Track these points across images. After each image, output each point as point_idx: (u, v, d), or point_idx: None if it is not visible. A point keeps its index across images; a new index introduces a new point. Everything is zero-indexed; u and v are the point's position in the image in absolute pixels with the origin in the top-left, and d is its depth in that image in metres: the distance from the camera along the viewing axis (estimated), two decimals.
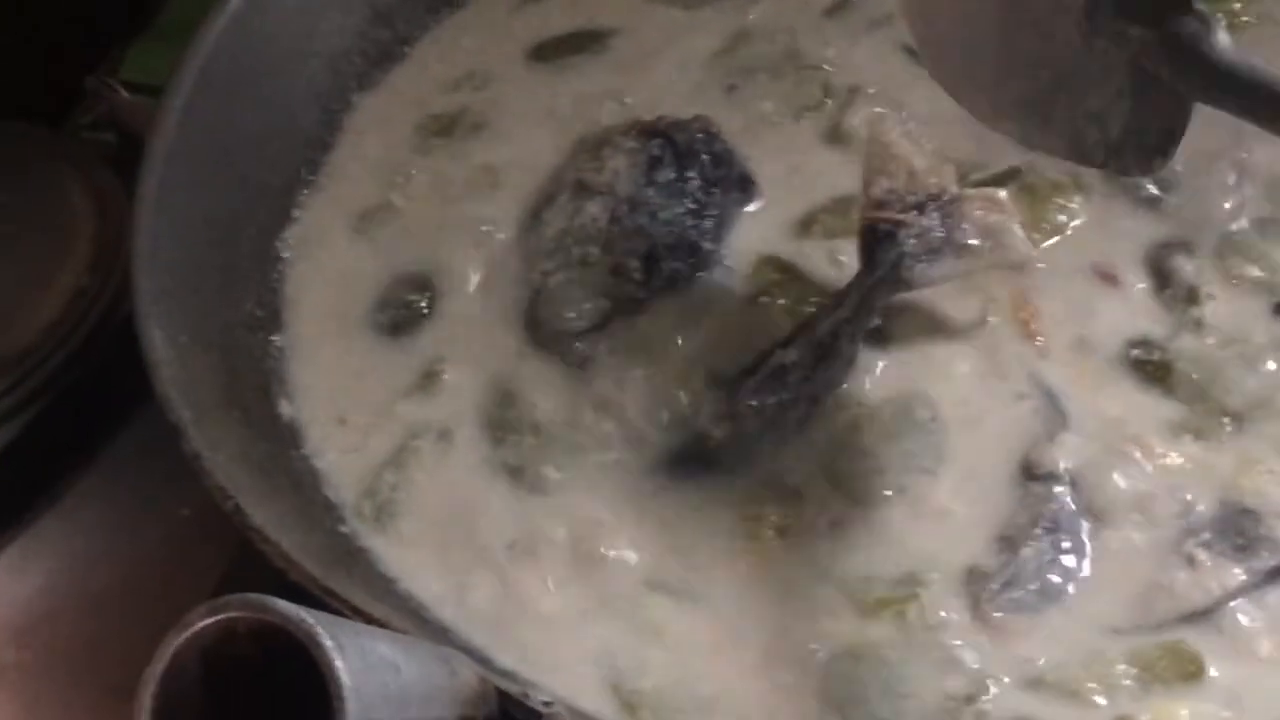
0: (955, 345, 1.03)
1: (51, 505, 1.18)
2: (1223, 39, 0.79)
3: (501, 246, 1.12)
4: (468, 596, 0.97)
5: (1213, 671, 0.91)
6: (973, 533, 0.96)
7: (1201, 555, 0.94)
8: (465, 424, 1.04)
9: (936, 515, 0.97)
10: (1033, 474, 0.98)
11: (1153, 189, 1.09)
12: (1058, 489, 0.97)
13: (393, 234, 1.15)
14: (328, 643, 0.70)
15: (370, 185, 1.17)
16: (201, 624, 0.72)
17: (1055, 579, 0.94)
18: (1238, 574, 0.94)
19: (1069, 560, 0.95)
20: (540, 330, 1.06)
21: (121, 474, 1.18)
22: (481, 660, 0.92)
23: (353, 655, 0.71)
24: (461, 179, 1.17)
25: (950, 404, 1.01)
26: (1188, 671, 0.91)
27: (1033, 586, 0.94)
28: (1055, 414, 1.00)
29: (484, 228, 1.13)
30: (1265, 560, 0.94)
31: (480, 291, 1.10)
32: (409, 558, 0.99)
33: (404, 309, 1.10)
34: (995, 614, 0.93)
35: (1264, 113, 0.78)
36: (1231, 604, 0.93)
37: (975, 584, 0.94)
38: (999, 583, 0.94)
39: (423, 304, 1.10)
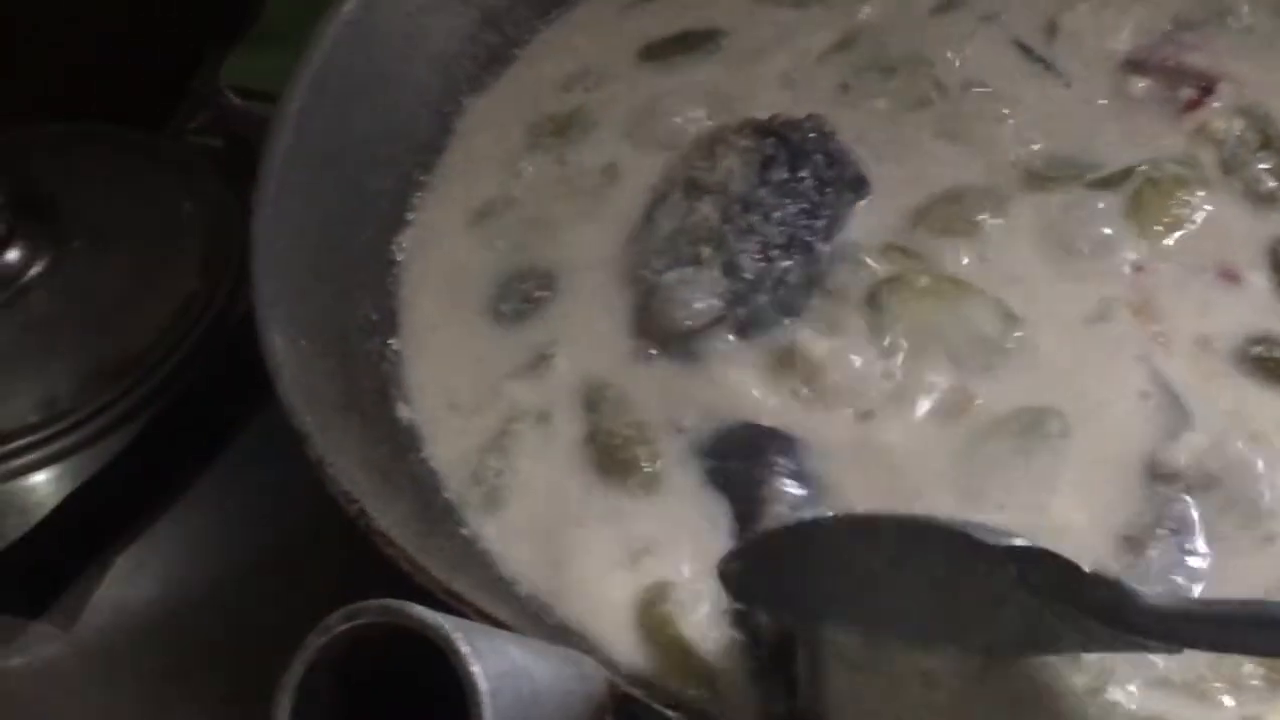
0: (1075, 344, 1.02)
1: (166, 510, 1.19)
2: (1142, 594, 0.79)
3: (616, 244, 1.12)
4: (583, 597, 0.96)
5: None
6: (1097, 533, 0.95)
7: None
8: (566, 413, 1.04)
9: (1060, 516, 0.96)
10: (1156, 473, 0.96)
11: (1272, 183, 1.07)
12: (1182, 489, 0.95)
13: (506, 233, 1.15)
14: (465, 649, 0.70)
15: (484, 185, 1.18)
16: (339, 629, 0.72)
17: (1180, 580, 0.93)
18: None
19: (1194, 561, 0.94)
20: (652, 328, 1.06)
21: (235, 479, 1.19)
22: (605, 663, 0.92)
23: (489, 661, 0.71)
24: (575, 177, 1.17)
25: (1072, 402, 1.00)
26: None
27: (1158, 588, 0.92)
28: (1178, 412, 0.99)
29: (598, 226, 1.13)
30: None
31: (595, 290, 1.10)
32: (523, 555, 0.99)
33: (519, 304, 1.10)
34: None
35: (1224, 644, 0.80)
36: None
37: None
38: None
39: (537, 299, 1.10)
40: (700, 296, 1.05)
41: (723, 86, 1.20)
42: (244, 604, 1.13)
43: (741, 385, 1.03)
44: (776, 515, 0.97)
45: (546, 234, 1.14)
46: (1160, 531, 0.94)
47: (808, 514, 0.97)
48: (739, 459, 1.01)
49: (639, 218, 1.12)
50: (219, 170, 1.30)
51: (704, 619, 0.95)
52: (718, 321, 1.04)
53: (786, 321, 1.05)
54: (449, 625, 0.71)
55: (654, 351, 1.06)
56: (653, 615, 0.95)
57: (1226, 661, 0.90)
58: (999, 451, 0.98)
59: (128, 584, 1.16)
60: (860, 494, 0.99)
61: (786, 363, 1.03)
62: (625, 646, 0.94)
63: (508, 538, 1.00)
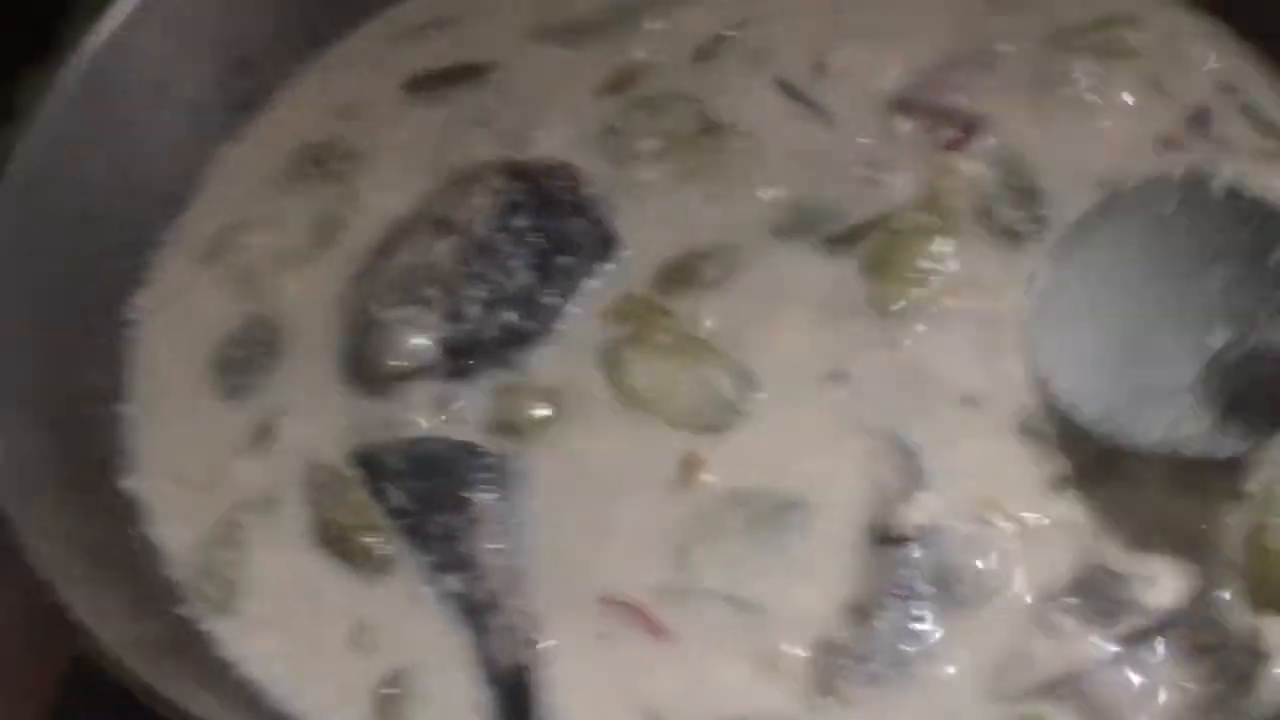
0: (813, 405, 1.00)
1: None
2: None
3: (350, 279, 1.09)
4: (308, 682, 0.94)
5: None
6: (826, 602, 0.94)
7: (1063, 621, 0.91)
8: (290, 493, 1.01)
9: (789, 585, 0.94)
10: (886, 537, 0.94)
11: (1025, 227, 1.06)
12: (912, 553, 0.94)
13: (242, 277, 1.11)
14: None
15: (227, 233, 1.13)
16: None
17: (909, 649, 0.92)
18: (1100, 641, 0.91)
19: (923, 628, 0.92)
20: (362, 368, 1.04)
21: None
22: None
23: None
24: (324, 210, 1.13)
25: (806, 466, 0.98)
26: None
27: (886, 658, 0.91)
28: (911, 471, 0.96)
29: (335, 261, 1.10)
30: (1130, 624, 0.91)
31: (323, 329, 1.07)
32: (253, 639, 0.96)
33: (248, 353, 1.07)
34: (847, 689, 0.90)
35: None
36: (1095, 672, 0.90)
37: (827, 658, 0.91)
38: (851, 656, 0.91)
39: (266, 347, 1.07)
40: (417, 339, 1.02)
41: (491, 122, 1.16)
42: None
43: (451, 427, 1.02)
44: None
45: (282, 274, 1.10)
46: (888, 599, 0.92)
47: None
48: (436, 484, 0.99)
49: (380, 249, 1.09)
50: None
51: (439, 701, 0.93)
52: (430, 368, 1.02)
53: (505, 375, 1.03)
54: None
55: (365, 394, 1.03)
56: (388, 708, 0.93)
57: None
58: (724, 519, 0.97)
59: None
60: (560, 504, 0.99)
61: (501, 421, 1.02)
62: None
63: (245, 630, 0.97)
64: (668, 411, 1.00)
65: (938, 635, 0.92)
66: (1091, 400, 0.96)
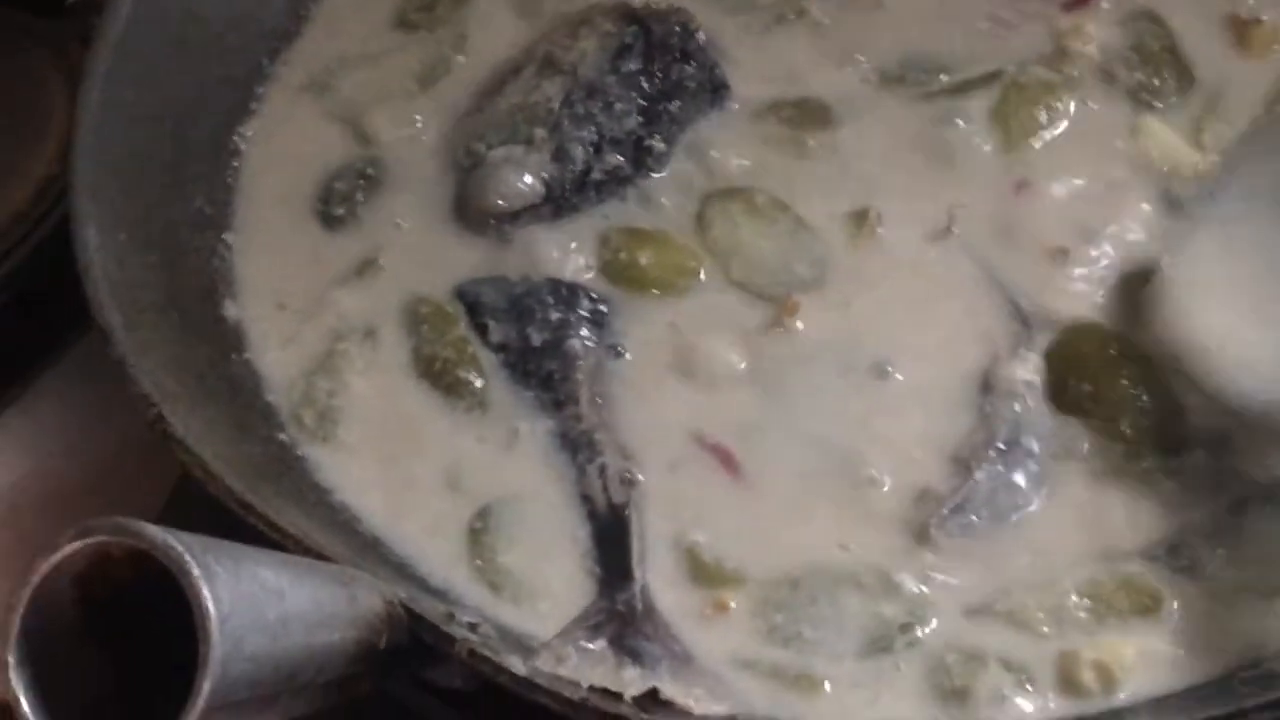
0: (919, 259, 0.99)
1: (13, 401, 1.15)
2: None
3: (457, 118, 1.08)
4: (403, 511, 0.94)
5: (1172, 607, 0.87)
6: (929, 454, 0.92)
7: (1168, 485, 0.90)
8: (391, 325, 1.01)
9: (891, 434, 0.93)
10: (992, 389, 0.93)
11: (1149, 86, 1.04)
12: (1017, 406, 0.92)
13: (349, 114, 1.10)
14: (195, 570, 0.67)
15: (334, 69, 1.13)
16: (70, 548, 0.69)
17: (1008, 502, 0.90)
18: (1208, 507, 0.89)
19: (1023, 481, 0.91)
20: (467, 206, 1.03)
21: (88, 370, 1.15)
22: (414, 578, 0.89)
23: (225, 582, 0.68)
24: (427, 52, 1.12)
25: (909, 308, 0.98)
26: (1144, 606, 0.87)
27: (984, 510, 0.90)
28: (1020, 326, 0.95)
29: (443, 101, 1.10)
30: (1235, 492, 0.90)
31: (428, 166, 1.07)
32: (349, 467, 0.96)
33: (352, 186, 1.07)
34: (943, 538, 0.89)
35: None
36: (1199, 538, 0.89)
37: (925, 506, 0.90)
38: (949, 506, 0.90)
39: (371, 182, 1.07)
40: (522, 178, 1.02)
41: None
42: (87, 501, 1.08)
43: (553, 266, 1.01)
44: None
45: (388, 111, 1.10)
46: (990, 452, 0.91)
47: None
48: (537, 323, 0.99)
49: (487, 88, 1.09)
50: None
51: (534, 535, 0.93)
52: (535, 207, 1.02)
53: (609, 218, 1.02)
54: (181, 545, 0.68)
55: (469, 234, 1.03)
56: (481, 540, 0.92)
57: (1051, 591, 0.87)
58: (818, 365, 0.96)
59: None
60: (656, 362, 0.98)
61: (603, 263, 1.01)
62: (449, 568, 0.92)
63: (341, 457, 0.97)
64: (759, 269, 1.00)
65: (1039, 491, 0.91)
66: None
